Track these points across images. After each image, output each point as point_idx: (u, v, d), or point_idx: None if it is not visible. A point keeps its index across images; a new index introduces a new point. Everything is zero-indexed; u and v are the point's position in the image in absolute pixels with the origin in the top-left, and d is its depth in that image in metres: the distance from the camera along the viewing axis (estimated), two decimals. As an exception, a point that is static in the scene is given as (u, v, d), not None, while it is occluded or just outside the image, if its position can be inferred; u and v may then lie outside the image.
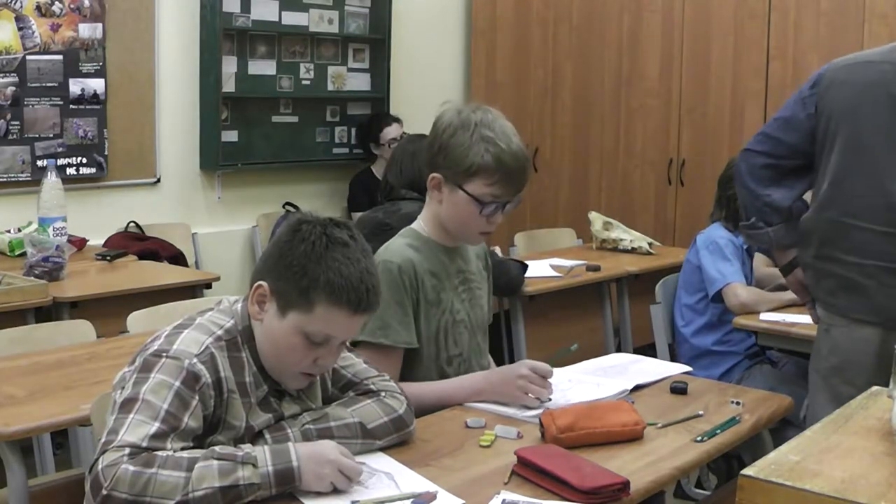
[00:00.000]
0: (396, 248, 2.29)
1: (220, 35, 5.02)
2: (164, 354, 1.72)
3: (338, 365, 1.97)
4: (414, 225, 2.37)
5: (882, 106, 2.54)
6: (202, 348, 1.75)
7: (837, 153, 2.58)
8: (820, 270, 2.64)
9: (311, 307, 1.76)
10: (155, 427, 1.64)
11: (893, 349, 2.52)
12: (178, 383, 1.69)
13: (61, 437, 3.31)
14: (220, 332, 1.80)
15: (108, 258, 4.00)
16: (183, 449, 1.65)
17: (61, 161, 4.54)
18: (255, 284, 1.82)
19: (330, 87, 5.69)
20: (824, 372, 2.64)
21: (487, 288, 2.50)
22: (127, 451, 1.59)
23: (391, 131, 5.44)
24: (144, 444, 1.61)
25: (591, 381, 2.33)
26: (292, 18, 5.45)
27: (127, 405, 1.67)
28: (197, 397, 1.70)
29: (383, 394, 1.96)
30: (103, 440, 1.63)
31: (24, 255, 3.69)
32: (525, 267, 3.87)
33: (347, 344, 1.95)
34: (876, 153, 2.54)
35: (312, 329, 1.78)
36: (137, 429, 1.63)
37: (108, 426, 1.66)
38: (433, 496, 1.69)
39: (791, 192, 2.70)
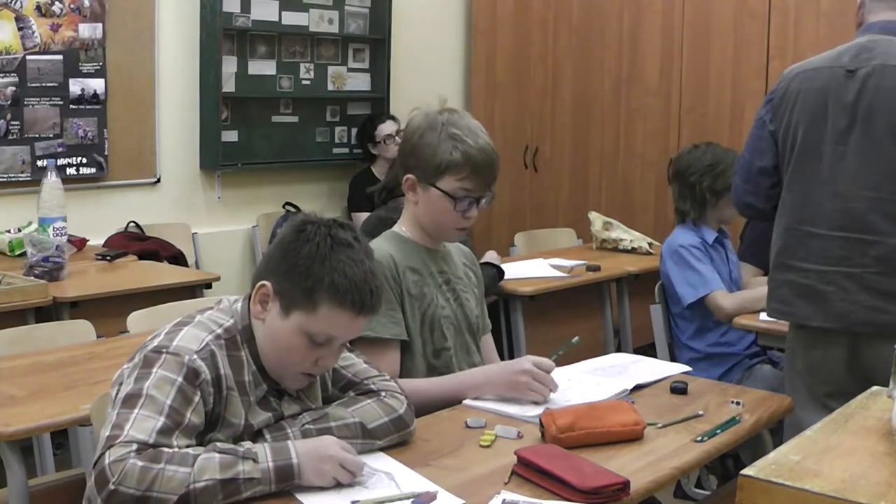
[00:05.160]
0: (375, 245, 2.33)
1: (220, 35, 5.02)
2: (165, 351, 1.73)
3: (338, 365, 1.97)
4: (395, 228, 2.43)
5: (831, 111, 2.55)
6: (202, 345, 1.76)
7: (793, 162, 2.61)
8: (774, 281, 2.66)
9: (315, 308, 1.77)
10: (161, 422, 1.64)
11: (862, 349, 2.55)
12: (180, 379, 1.70)
13: (61, 437, 3.30)
14: (219, 331, 1.81)
15: (108, 258, 4.00)
16: (188, 447, 1.66)
17: (61, 161, 4.54)
18: (258, 284, 1.82)
19: (330, 87, 5.69)
20: (800, 370, 2.66)
21: (477, 294, 2.53)
22: (134, 446, 1.60)
23: (385, 128, 5.44)
24: (151, 441, 1.62)
25: (591, 381, 2.33)
26: (292, 18, 5.45)
27: (130, 400, 1.67)
28: (198, 393, 1.71)
29: (383, 394, 1.96)
30: (108, 434, 1.63)
31: (24, 255, 3.70)
32: (501, 272, 3.85)
33: (347, 344, 1.95)
34: (829, 158, 2.55)
35: (315, 329, 1.78)
36: (143, 423, 1.63)
37: (111, 421, 1.66)
38: (433, 496, 1.69)
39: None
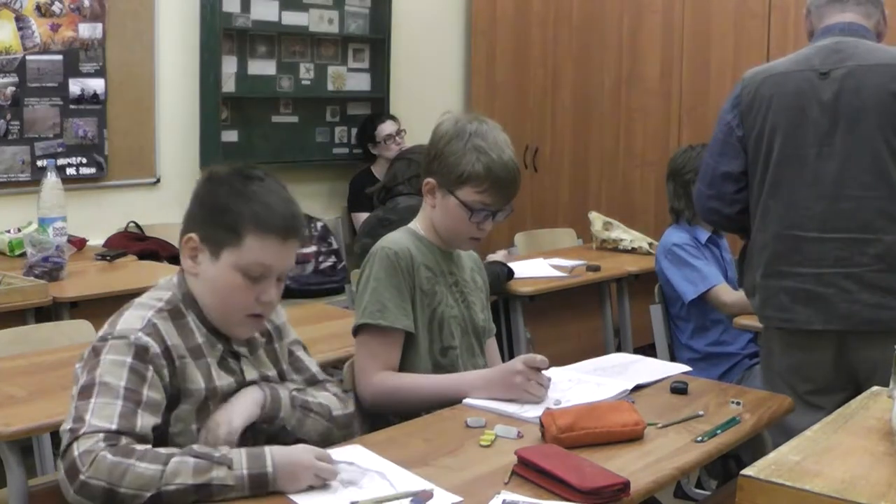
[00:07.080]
0: (394, 238, 2.38)
1: (220, 35, 5.02)
2: (109, 336, 1.75)
3: (301, 356, 2.03)
4: (411, 225, 2.44)
5: (811, 114, 2.54)
6: (145, 322, 1.78)
7: (773, 167, 2.59)
8: (769, 289, 2.64)
9: (241, 241, 1.80)
10: (120, 406, 1.65)
11: (850, 348, 2.55)
12: (129, 359, 1.71)
13: (61, 437, 3.30)
14: (160, 304, 1.83)
15: (108, 258, 3.99)
16: (154, 426, 1.68)
17: (61, 161, 4.53)
18: (185, 238, 1.85)
19: (330, 87, 5.70)
20: (779, 370, 2.65)
21: (483, 299, 2.54)
22: (101, 436, 1.60)
23: (385, 128, 5.45)
24: (115, 427, 1.62)
25: (591, 381, 2.33)
26: (292, 18, 5.45)
27: (85, 391, 1.68)
28: (151, 367, 1.73)
29: (340, 394, 2.04)
30: (69, 427, 1.64)
31: (24, 255, 3.69)
32: (510, 273, 3.85)
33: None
34: (814, 161, 2.54)
35: (247, 262, 1.80)
36: (103, 411, 1.64)
37: (71, 415, 1.67)
38: (430, 494, 1.69)
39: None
